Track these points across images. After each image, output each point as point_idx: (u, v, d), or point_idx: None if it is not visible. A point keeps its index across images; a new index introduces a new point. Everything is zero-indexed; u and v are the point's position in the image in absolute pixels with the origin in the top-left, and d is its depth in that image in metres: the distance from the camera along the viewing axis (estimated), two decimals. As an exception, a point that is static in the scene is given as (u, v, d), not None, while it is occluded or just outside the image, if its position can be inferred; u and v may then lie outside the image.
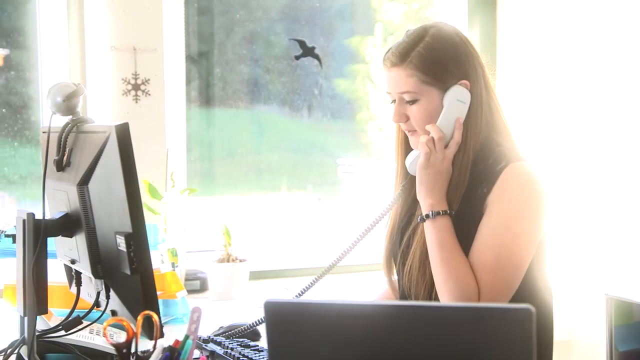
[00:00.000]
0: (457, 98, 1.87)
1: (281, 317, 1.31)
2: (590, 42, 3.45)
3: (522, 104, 3.71)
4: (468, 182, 1.89)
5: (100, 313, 1.76)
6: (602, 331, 2.60)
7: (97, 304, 1.79)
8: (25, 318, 1.71)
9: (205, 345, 2.02)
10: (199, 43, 3.59)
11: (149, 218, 2.87)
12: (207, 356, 1.99)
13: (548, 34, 3.61)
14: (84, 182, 1.65)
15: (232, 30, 3.70)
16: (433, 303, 1.71)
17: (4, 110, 3.20)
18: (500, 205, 1.84)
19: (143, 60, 3.06)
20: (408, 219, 2.00)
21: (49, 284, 2.23)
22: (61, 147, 1.75)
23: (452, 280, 1.82)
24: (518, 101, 3.72)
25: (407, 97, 1.89)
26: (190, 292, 3.08)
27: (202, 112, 3.66)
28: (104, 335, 1.39)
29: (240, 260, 3.03)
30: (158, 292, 2.41)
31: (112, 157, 1.55)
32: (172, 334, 2.17)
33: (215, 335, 2.13)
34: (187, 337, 1.51)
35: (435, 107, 1.88)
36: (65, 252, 1.83)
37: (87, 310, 1.79)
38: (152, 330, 1.58)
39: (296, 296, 2.11)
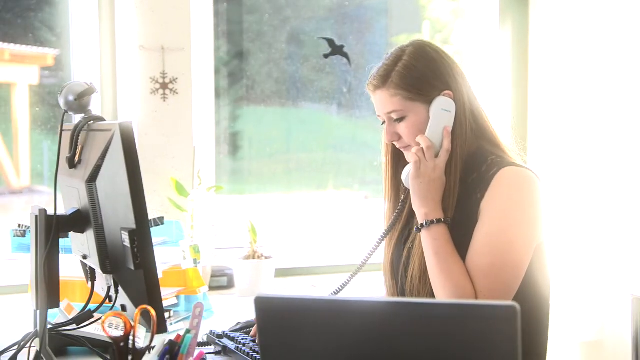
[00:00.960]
0: (442, 108, 1.92)
1: (272, 313, 1.32)
2: (624, 39, 3.41)
3: (554, 102, 3.68)
4: (464, 190, 1.92)
5: (110, 307, 1.79)
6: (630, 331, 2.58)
7: (109, 298, 1.82)
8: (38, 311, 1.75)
9: (219, 340, 2.05)
10: (246, 42, 3.64)
11: (175, 215, 2.92)
12: (219, 351, 2.02)
13: (582, 31, 3.57)
14: (91, 179, 1.69)
15: (279, 28, 3.74)
16: (421, 300, 1.72)
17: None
18: (493, 209, 1.86)
19: (171, 60, 3.10)
20: (409, 231, 2.03)
21: (71, 279, 2.31)
22: (73, 144, 1.78)
23: (450, 286, 1.83)
24: (550, 99, 3.69)
25: (394, 116, 1.94)
26: (217, 288, 3.13)
27: (250, 111, 3.72)
28: (102, 328, 1.42)
29: (266, 257, 3.06)
30: (180, 288, 2.49)
31: (117, 154, 1.59)
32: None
33: (230, 331, 2.15)
34: (187, 331, 1.54)
35: (423, 121, 1.93)
36: (79, 247, 1.87)
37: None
38: (160, 324, 1.61)
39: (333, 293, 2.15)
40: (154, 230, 2.44)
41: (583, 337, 3.54)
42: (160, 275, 2.38)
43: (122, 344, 1.42)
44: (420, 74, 1.92)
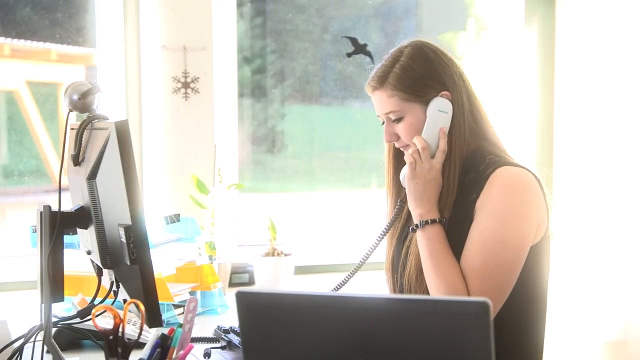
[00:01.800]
0: (438, 109, 1.92)
1: (253, 308, 1.35)
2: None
3: (580, 103, 3.65)
4: (462, 190, 1.92)
5: (112, 301, 1.84)
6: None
7: (114, 292, 1.87)
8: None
9: (225, 335, 2.08)
10: (296, 41, 3.68)
11: (196, 212, 2.97)
12: (225, 346, 2.05)
13: (609, 31, 3.54)
14: (92, 176, 1.73)
15: (327, 27, 3.77)
16: (396, 295, 1.73)
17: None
18: (487, 209, 1.86)
19: (193, 59, 3.15)
20: (408, 230, 2.03)
21: (86, 274, 2.36)
22: (77, 143, 1.83)
23: (443, 286, 1.84)
24: (576, 100, 3.66)
25: (392, 117, 1.96)
26: (238, 284, 3.16)
27: (297, 109, 3.76)
28: (93, 321, 1.46)
29: (286, 255, 3.09)
30: (194, 284, 2.53)
31: (113, 152, 1.62)
32: (208, 325, 2.26)
33: (238, 327, 2.18)
34: (179, 325, 1.57)
35: (420, 121, 1.94)
36: (84, 243, 1.92)
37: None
38: (155, 318, 1.66)
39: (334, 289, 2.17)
40: (170, 227, 2.50)
41: (606, 337, 3.51)
42: (173, 271, 2.44)
43: (111, 337, 1.45)
44: (417, 75, 1.93)
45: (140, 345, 1.57)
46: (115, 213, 1.68)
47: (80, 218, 1.83)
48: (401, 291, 2.04)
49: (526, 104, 3.78)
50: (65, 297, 2.41)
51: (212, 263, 2.67)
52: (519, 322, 1.96)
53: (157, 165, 3.16)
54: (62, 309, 2.36)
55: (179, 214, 2.60)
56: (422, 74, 1.93)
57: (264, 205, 3.72)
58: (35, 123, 3.38)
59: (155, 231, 2.51)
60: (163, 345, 1.54)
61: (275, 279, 3.06)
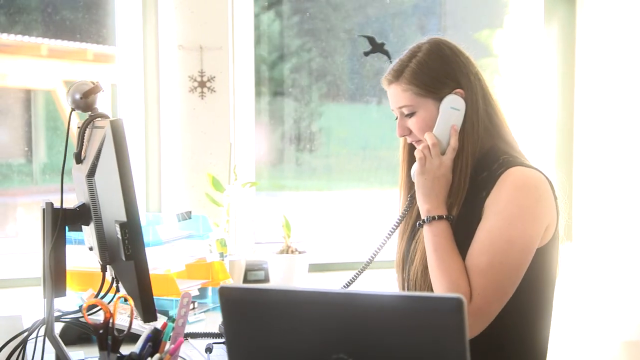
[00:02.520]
0: (451, 106, 1.93)
1: (236, 303, 1.37)
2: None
3: (601, 102, 3.63)
4: (472, 189, 1.92)
5: (112, 297, 1.87)
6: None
7: (116, 288, 1.91)
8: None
9: (228, 331, 2.10)
10: (332, 40, 3.72)
11: (212, 210, 3.01)
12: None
13: (630, 30, 3.51)
14: (91, 174, 1.77)
15: (364, 25, 3.79)
16: (373, 291, 1.74)
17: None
18: (495, 209, 1.86)
19: (209, 59, 3.19)
20: (417, 226, 2.05)
21: (98, 270, 2.40)
22: (79, 141, 1.87)
23: (445, 282, 1.85)
24: (597, 100, 3.64)
25: (405, 111, 1.97)
26: (254, 281, 3.20)
27: (334, 108, 3.79)
28: (84, 315, 1.49)
29: (300, 252, 3.12)
30: (205, 280, 2.56)
31: (110, 150, 1.66)
32: (218, 321, 2.29)
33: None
34: (173, 320, 1.60)
35: (432, 117, 1.95)
36: (87, 239, 1.96)
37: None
38: (149, 313, 1.69)
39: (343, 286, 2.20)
40: (181, 224, 2.54)
41: (625, 337, 3.48)
42: (182, 267, 2.47)
43: (101, 331, 1.49)
44: (432, 71, 1.94)
45: (135, 337, 1.61)
46: (112, 210, 1.71)
47: (82, 215, 1.87)
48: (407, 287, 2.05)
49: (546, 103, 3.77)
50: (76, 292, 2.48)
51: (223, 260, 2.71)
52: (522, 323, 1.96)
53: (174, 163, 3.20)
54: (74, 304, 2.40)
55: (190, 212, 2.64)
56: (438, 71, 1.94)
57: (291, 203, 3.75)
58: (72, 122, 3.43)
59: (167, 228, 2.55)
60: (155, 340, 1.57)
61: (289, 276, 3.08)
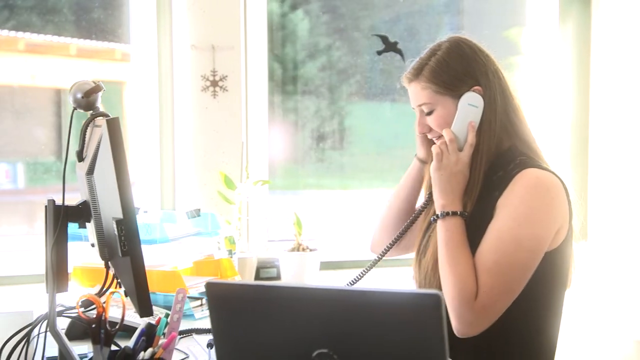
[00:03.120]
0: (468, 102, 1.95)
1: (222, 299, 1.40)
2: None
3: (616, 102, 3.61)
4: (487, 187, 1.93)
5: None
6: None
7: (118, 284, 1.94)
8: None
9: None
10: (364, 38, 3.74)
11: (224, 207, 3.04)
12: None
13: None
14: (90, 171, 1.81)
15: (394, 23, 3.81)
16: (354, 287, 1.76)
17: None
18: (506, 209, 1.87)
19: (221, 58, 3.22)
20: (432, 221, 2.06)
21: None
22: (81, 139, 1.90)
23: (452, 278, 1.86)
24: (612, 100, 3.62)
25: (425, 109, 2.00)
26: (267, 279, 3.23)
27: (362, 106, 3.81)
28: (77, 310, 1.53)
29: (311, 250, 3.14)
30: (214, 277, 2.59)
31: (107, 148, 1.69)
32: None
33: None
34: (167, 315, 1.63)
35: (451, 114, 1.97)
36: (90, 236, 1.99)
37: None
38: (145, 308, 1.72)
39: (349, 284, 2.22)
40: (191, 222, 2.57)
41: (638, 336, 3.47)
42: (190, 264, 2.51)
43: (93, 325, 1.52)
44: (451, 70, 1.96)
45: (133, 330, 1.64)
46: (110, 207, 1.74)
47: (84, 212, 1.90)
48: (419, 280, 2.06)
49: (561, 102, 3.76)
50: (86, 288, 2.52)
51: (231, 257, 2.73)
52: (529, 323, 1.96)
53: (187, 162, 3.24)
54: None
55: (199, 209, 2.67)
56: (457, 69, 1.96)
57: (313, 202, 3.77)
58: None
59: (175, 225, 2.59)
60: (149, 334, 1.60)
61: (300, 273, 3.11)
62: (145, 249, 2.40)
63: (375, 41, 3.65)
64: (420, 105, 2.00)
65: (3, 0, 3.30)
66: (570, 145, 3.77)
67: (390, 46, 3.53)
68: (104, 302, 1.72)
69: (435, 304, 1.22)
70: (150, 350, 1.55)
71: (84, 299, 1.59)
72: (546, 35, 3.79)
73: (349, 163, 3.86)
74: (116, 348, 1.56)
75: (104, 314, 1.52)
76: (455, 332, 1.88)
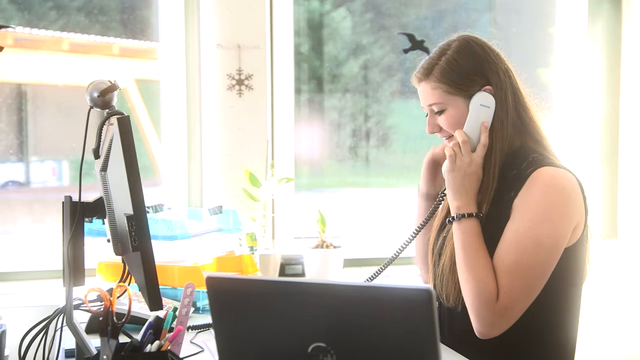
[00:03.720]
0: (480, 103, 1.95)
1: (221, 292, 1.43)
2: None
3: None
4: (501, 187, 1.93)
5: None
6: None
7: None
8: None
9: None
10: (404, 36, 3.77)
11: (249, 205, 3.08)
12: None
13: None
14: (104, 168, 1.85)
15: (438, 20, 3.83)
16: (348, 282, 1.77)
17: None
18: (523, 209, 1.87)
19: (246, 57, 3.26)
20: (447, 222, 2.07)
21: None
22: (97, 137, 1.95)
23: (472, 280, 1.87)
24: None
25: (435, 108, 2.00)
26: (293, 275, 3.26)
27: (405, 104, 3.83)
28: (85, 302, 1.57)
29: (335, 247, 3.16)
30: (234, 273, 2.63)
31: (118, 145, 1.73)
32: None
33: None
34: (175, 309, 1.67)
35: (463, 114, 1.97)
36: (107, 232, 2.04)
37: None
38: (155, 302, 1.76)
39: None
40: (213, 218, 2.61)
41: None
42: (210, 260, 2.55)
43: (101, 318, 1.56)
44: (461, 69, 1.96)
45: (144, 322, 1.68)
46: (122, 203, 1.79)
47: (99, 208, 1.95)
48: (436, 282, 2.08)
49: (591, 102, 3.74)
50: (110, 282, 2.58)
51: (252, 254, 2.77)
52: (549, 322, 1.97)
53: (213, 160, 3.28)
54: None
55: (221, 206, 2.71)
56: (467, 69, 1.96)
57: (347, 200, 3.79)
58: (142, 120, 3.56)
59: (197, 222, 2.63)
60: (157, 327, 1.64)
61: (323, 270, 3.13)
62: (166, 245, 2.47)
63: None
64: (430, 105, 2.00)
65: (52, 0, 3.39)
66: (601, 144, 3.75)
67: (416, 44, 3.52)
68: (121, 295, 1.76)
69: (426, 298, 1.24)
70: (157, 342, 1.58)
71: (91, 292, 1.63)
72: (576, 35, 3.76)
73: (392, 161, 3.87)
74: (126, 340, 1.59)
75: (111, 307, 1.56)
76: (476, 333, 1.89)
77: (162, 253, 2.50)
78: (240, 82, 3.26)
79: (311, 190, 3.77)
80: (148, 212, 2.56)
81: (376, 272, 2.22)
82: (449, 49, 1.99)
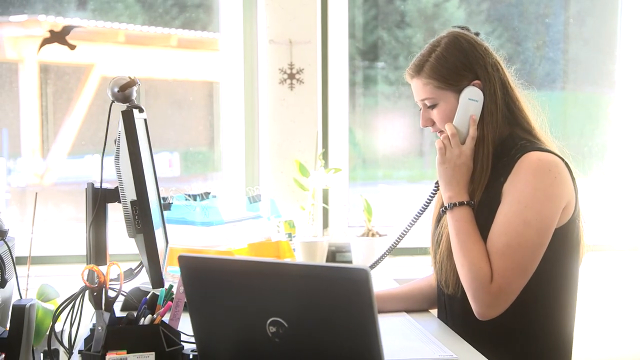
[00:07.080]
0: (469, 97, 2.04)
1: (192, 270, 1.56)
2: None
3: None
4: (493, 174, 2.03)
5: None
6: None
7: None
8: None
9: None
10: (523, 25, 3.85)
11: (300, 194, 3.20)
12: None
13: None
14: (117, 157, 2.01)
15: (557, 9, 3.88)
16: (294, 262, 1.80)
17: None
18: (512, 192, 1.96)
19: (298, 52, 3.38)
20: (441, 212, 2.15)
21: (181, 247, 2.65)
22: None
23: (467, 265, 1.96)
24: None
25: (427, 103, 2.10)
26: (343, 262, 3.36)
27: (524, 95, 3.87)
28: (82, 278, 1.73)
29: (381, 235, 3.24)
30: (272, 258, 2.76)
31: (124, 136, 1.89)
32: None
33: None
34: (171, 286, 1.81)
35: (453, 108, 2.07)
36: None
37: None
38: (157, 281, 1.91)
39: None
40: (251, 206, 2.75)
41: None
42: (244, 245, 2.68)
43: (95, 293, 1.72)
44: (451, 65, 2.05)
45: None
46: (130, 189, 1.94)
47: (117, 194, 2.11)
48: (436, 270, 2.16)
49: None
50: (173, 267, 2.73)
51: (290, 240, 2.89)
52: (546, 302, 2.04)
53: (265, 150, 3.42)
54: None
55: (260, 195, 2.84)
56: (456, 64, 2.05)
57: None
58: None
59: (234, 209, 2.77)
60: (151, 302, 1.78)
61: (369, 258, 3.21)
62: (204, 231, 2.62)
63: (539, 28, 3.70)
64: (422, 100, 2.10)
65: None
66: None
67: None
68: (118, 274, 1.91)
69: (364, 278, 1.34)
70: (149, 317, 1.72)
71: (88, 269, 1.78)
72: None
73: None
74: (124, 314, 1.74)
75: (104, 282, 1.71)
76: (476, 315, 1.97)
77: (199, 238, 2.64)
78: (291, 76, 3.38)
79: (385, 181, 3.85)
80: (195, 200, 2.72)
81: (378, 259, 2.33)
82: (438, 46, 2.07)
